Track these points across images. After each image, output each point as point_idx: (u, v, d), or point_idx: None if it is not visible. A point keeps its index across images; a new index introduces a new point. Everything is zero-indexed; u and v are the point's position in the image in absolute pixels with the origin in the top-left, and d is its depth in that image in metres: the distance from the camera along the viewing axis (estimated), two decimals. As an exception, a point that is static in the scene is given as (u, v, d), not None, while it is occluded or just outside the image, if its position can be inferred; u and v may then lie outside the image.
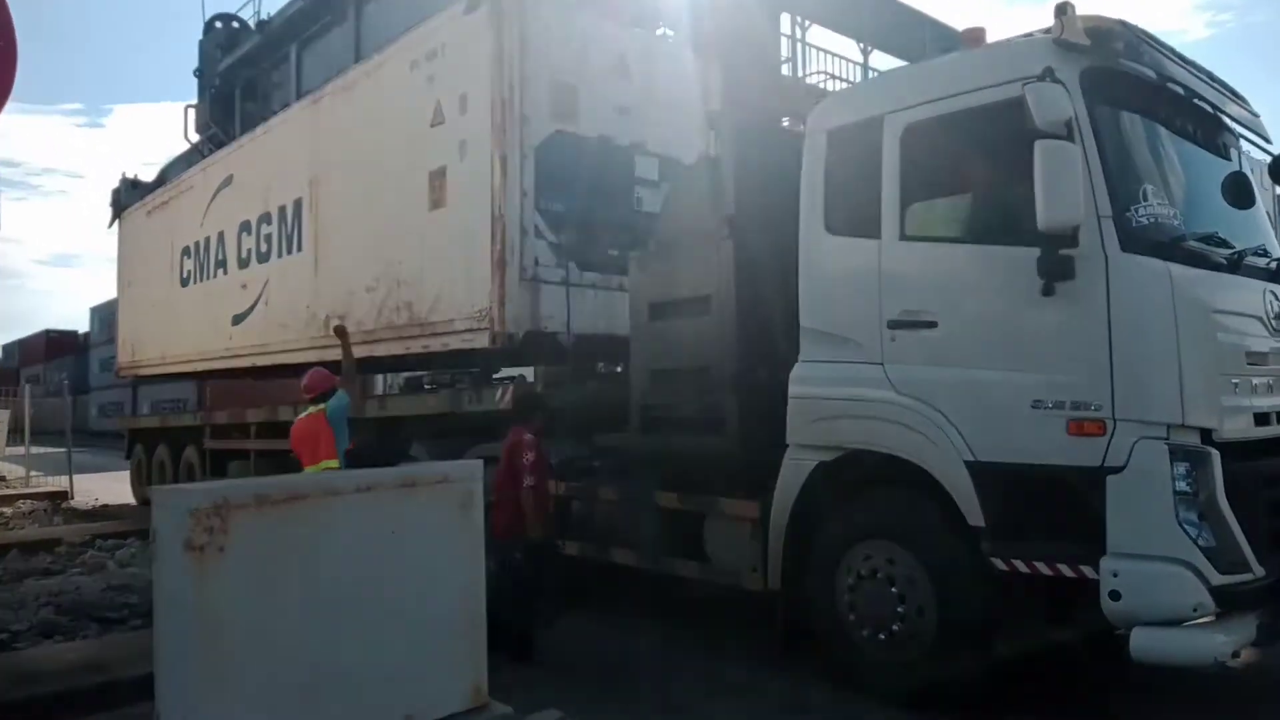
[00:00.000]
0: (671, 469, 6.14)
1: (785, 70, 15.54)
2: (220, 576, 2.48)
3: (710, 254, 5.68)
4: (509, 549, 5.76)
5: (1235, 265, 4.42)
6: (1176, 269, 4.04)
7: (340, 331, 7.27)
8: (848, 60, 17.70)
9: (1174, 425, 3.93)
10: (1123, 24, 4.25)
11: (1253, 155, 5.32)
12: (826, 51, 17.99)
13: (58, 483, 15.00)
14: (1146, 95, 4.40)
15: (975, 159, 4.61)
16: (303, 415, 6.77)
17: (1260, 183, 5.16)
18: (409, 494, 2.95)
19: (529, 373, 7.96)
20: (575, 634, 6.06)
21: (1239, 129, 5.04)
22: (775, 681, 5.23)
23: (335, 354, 8.89)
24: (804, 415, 5.07)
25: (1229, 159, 4.94)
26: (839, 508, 5.00)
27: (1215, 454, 3.94)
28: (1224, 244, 4.43)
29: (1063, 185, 3.90)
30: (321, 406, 6.54)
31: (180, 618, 2.48)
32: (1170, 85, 4.44)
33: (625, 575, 6.37)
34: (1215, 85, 4.85)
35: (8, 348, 50.22)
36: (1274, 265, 4.72)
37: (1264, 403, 4.30)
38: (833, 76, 15.39)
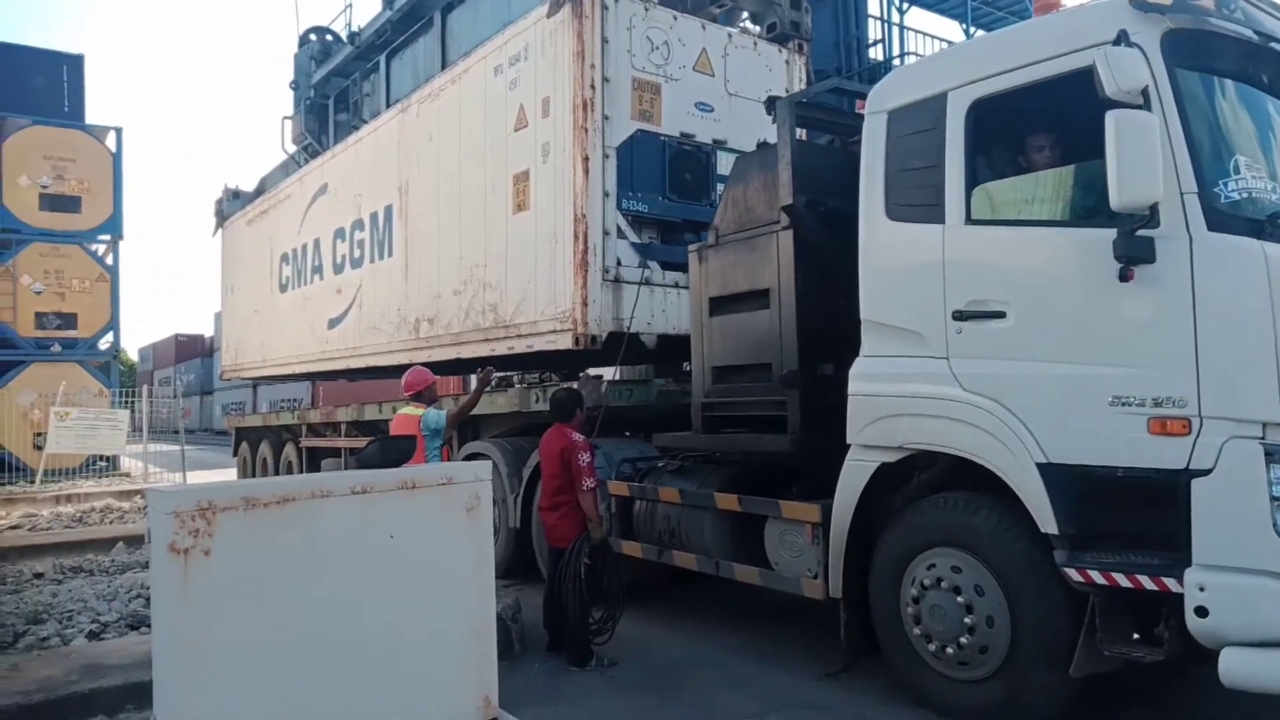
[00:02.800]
0: (731, 470, 5.94)
1: (875, 54, 15.14)
2: (206, 581, 2.43)
3: (769, 245, 5.46)
4: (573, 553, 5.70)
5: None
6: (1274, 249, 3.61)
7: (484, 378, 7.27)
8: (950, 44, 17.10)
9: (1271, 424, 3.51)
10: (1209, -23, 3.81)
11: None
12: (927, 35, 17.42)
13: (174, 478, 15.83)
14: (1243, 57, 3.95)
15: (1047, 134, 4.25)
16: (402, 411, 6.93)
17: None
18: (410, 496, 2.85)
19: (608, 372, 7.91)
20: (632, 638, 5.93)
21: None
22: (834, 693, 4.98)
23: (422, 356, 9.10)
24: (864, 414, 4.78)
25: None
26: (902, 513, 4.70)
27: (1319, 455, 3.49)
28: (1336, 219, 3.93)
29: (1138, 159, 3.51)
30: (421, 409, 6.62)
31: (167, 623, 2.45)
32: (1273, 44, 3.96)
33: (693, 576, 6.19)
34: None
35: (143, 351, 53.69)
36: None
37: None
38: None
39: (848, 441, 4.86)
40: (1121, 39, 3.66)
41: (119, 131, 20.43)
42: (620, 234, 7.37)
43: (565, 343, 7.35)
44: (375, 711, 2.70)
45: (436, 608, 2.85)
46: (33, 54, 20.72)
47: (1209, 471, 3.54)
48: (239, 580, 2.48)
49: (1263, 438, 3.50)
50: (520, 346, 8.02)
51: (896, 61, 14.93)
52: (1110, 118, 3.56)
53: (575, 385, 7.25)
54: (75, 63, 20.93)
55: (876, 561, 4.77)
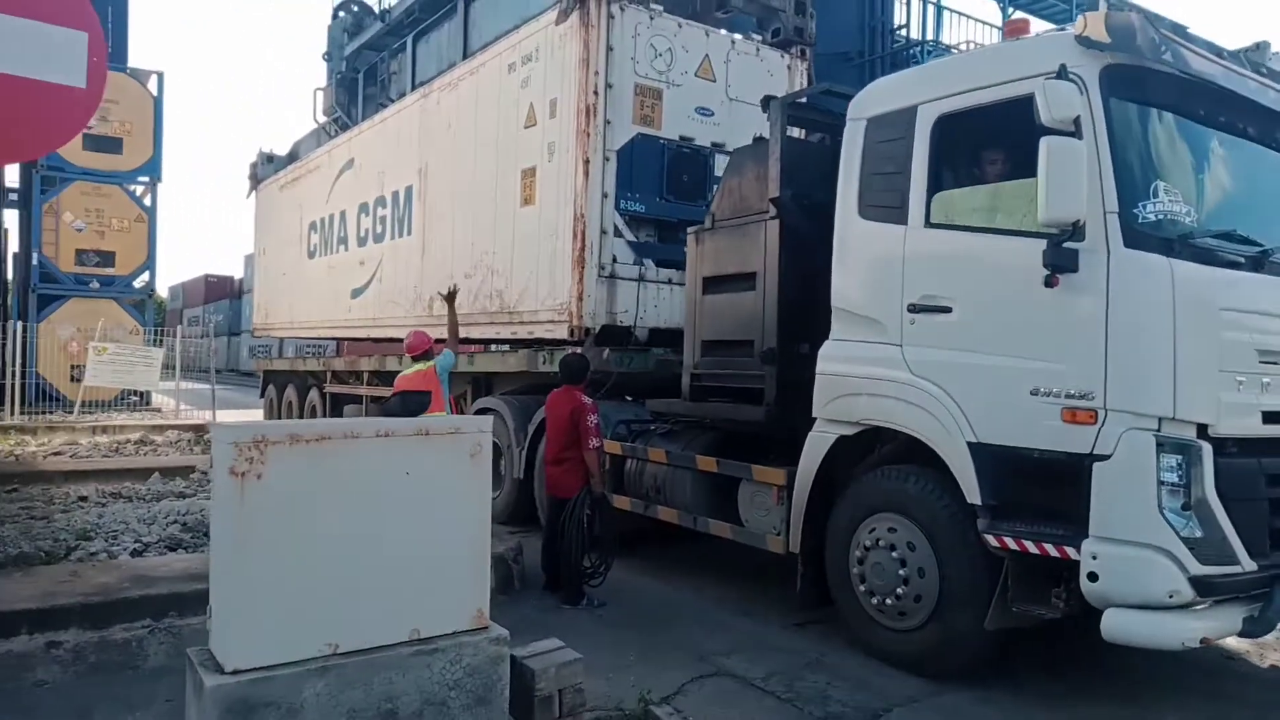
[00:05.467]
0: (715, 436, 6.53)
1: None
2: (258, 499, 3.06)
3: (758, 232, 5.99)
4: (577, 504, 6.28)
5: (1259, 264, 4.41)
6: (1182, 265, 4.11)
7: (450, 296, 7.98)
8: (990, 25, 17.22)
9: (1166, 418, 4.04)
10: (1146, 19, 4.26)
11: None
12: (966, 16, 17.55)
13: (202, 416, 16.62)
14: (1176, 91, 4.40)
15: (995, 151, 4.74)
16: (408, 371, 7.62)
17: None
18: (423, 441, 3.46)
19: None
20: (623, 584, 6.55)
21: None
22: (798, 640, 5.57)
23: (435, 334, 9.73)
24: (828, 391, 5.35)
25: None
26: (854, 482, 5.28)
27: (1207, 448, 4.02)
28: (1249, 242, 4.43)
29: (1064, 181, 4.01)
30: (430, 364, 7.33)
31: (225, 531, 3.08)
32: (1201, 79, 4.43)
33: (681, 532, 6.77)
34: (1266, 72, 4.78)
35: (174, 289, 54.71)
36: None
37: (1276, 401, 4.32)
38: (976, 44, 15.04)
39: (813, 415, 5.44)
40: (1061, 72, 4.16)
41: (160, 76, 20.99)
42: (617, 233, 7.88)
43: (562, 333, 7.92)
44: (390, 612, 3.33)
45: (441, 533, 3.46)
46: (77, -4, 21.19)
47: (1109, 457, 4.08)
48: (284, 500, 3.11)
49: (1157, 430, 4.03)
50: (522, 332, 8.62)
51: (928, 46, 15.21)
52: (1044, 142, 4.06)
53: (582, 350, 7.84)
54: (119, 6, 21.34)
55: (830, 526, 5.35)
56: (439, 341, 7.95)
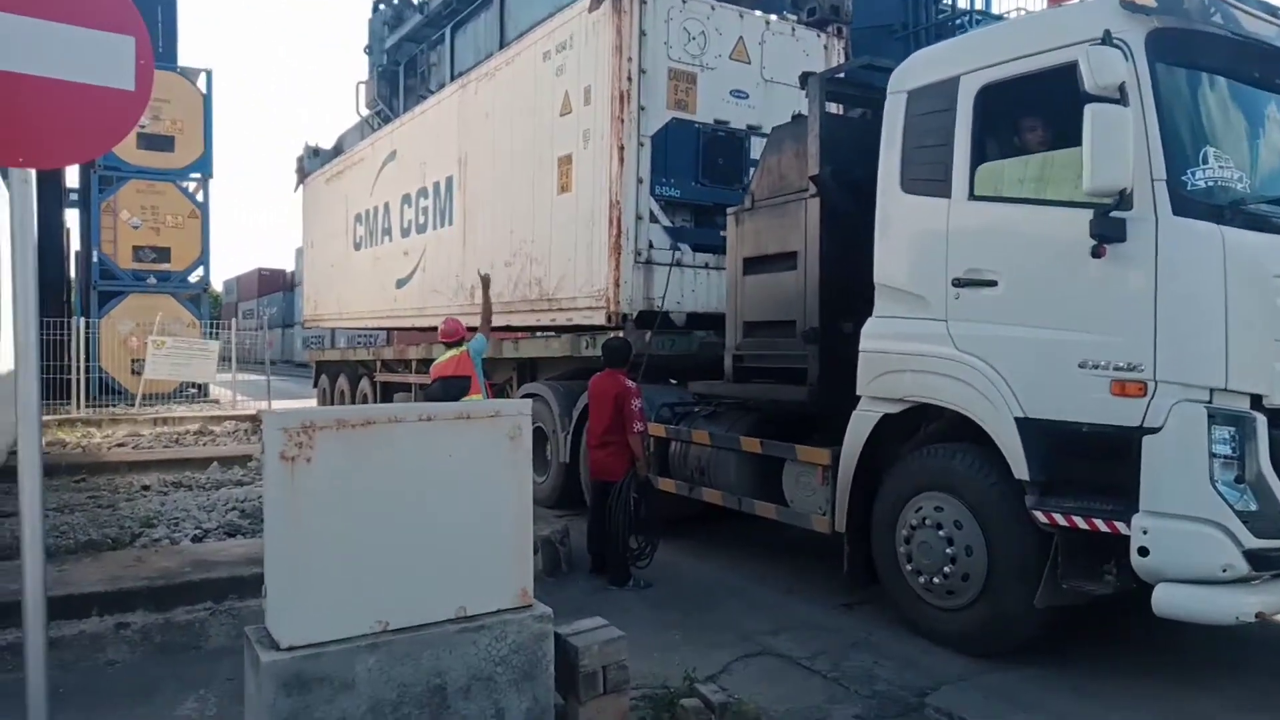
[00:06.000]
0: (758, 416, 6.53)
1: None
2: (307, 482, 3.14)
3: (798, 211, 5.96)
4: (623, 487, 6.33)
5: (1317, 227, 4.28)
6: (1233, 232, 4.00)
7: (485, 281, 8.19)
8: None
9: (1217, 389, 3.95)
10: (1195, -20, 4.15)
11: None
12: None
13: (258, 406, 17.03)
14: (1225, 53, 4.28)
15: (1040, 120, 4.65)
16: (442, 358, 7.81)
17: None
18: (465, 425, 3.51)
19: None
20: (669, 565, 6.60)
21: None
22: (845, 620, 5.56)
23: (477, 322, 9.90)
24: (872, 368, 5.31)
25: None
26: (899, 461, 5.24)
27: (1261, 419, 3.93)
28: (1304, 206, 4.30)
29: (1110, 149, 3.93)
30: (462, 349, 7.54)
31: (278, 514, 3.17)
32: (1254, 40, 4.30)
33: (727, 512, 6.79)
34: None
35: (228, 283, 56.01)
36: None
37: (1335, 370, 4.19)
38: (1026, 11, 14.70)
39: (857, 394, 5.41)
40: (1105, 38, 4.06)
41: (209, 74, 21.41)
42: (653, 218, 7.90)
43: (600, 319, 7.98)
44: (436, 590, 3.40)
45: (484, 513, 3.51)
46: (128, -3, 21.66)
47: (1159, 429, 4.00)
48: (332, 482, 3.19)
49: (1209, 401, 3.95)
50: (561, 319, 8.70)
51: (975, 15, 14.89)
52: (1088, 110, 3.98)
53: (624, 334, 7.89)
54: (169, 4, 21.73)
55: (876, 507, 5.32)
56: (471, 329, 8.13)
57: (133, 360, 18.58)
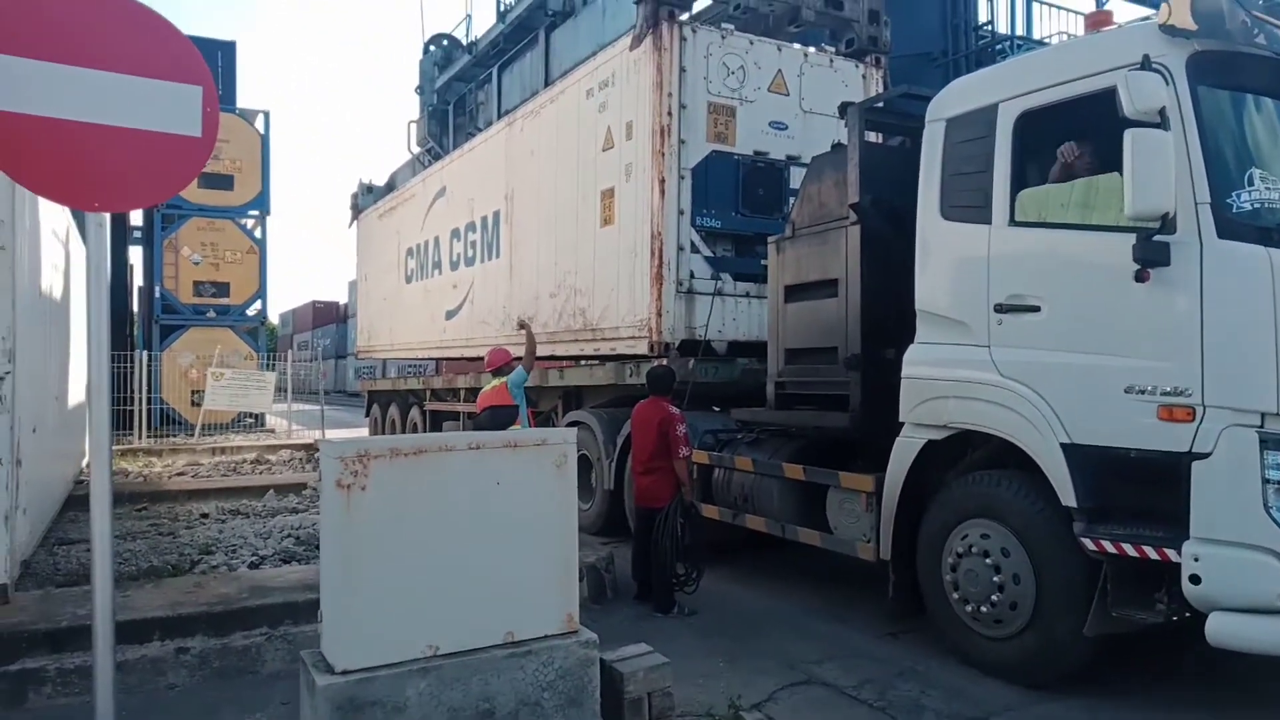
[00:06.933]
0: (801, 443, 6.54)
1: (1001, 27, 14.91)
2: (362, 509, 3.26)
3: (839, 239, 6.00)
4: (669, 513, 6.36)
5: (1368, 249, 4.20)
6: (1280, 255, 3.97)
7: (524, 324, 8.64)
8: (1081, 14, 16.70)
9: (1269, 414, 3.89)
10: (1234, 2, 4.14)
11: None
12: (1058, 7, 17.06)
13: (313, 435, 17.39)
14: (1272, 75, 4.25)
15: (1080, 146, 4.65)
16: (487, 388, 8.04)
17: None
18: (512, 453, 3.61)
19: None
20: (714, 592, 6.61)
21: None
22: (891, 648, 5.52)
23: (523, 349, 10.09)
24: (915, 395, 5.31)
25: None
26: (944, 488, 5.22)
27: (1315, 444, 3.86)
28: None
29: (1152, 174, 3.92)
30: (503, 380, 7.75)
31: (334, 540, 3.29)
32: (1299, 62, 4.26)
33: (772, 539, 6.77)
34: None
35: (284, 316, 57.33)
36: None
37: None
38: (1071, 36, 14.63)
39: (900, 420, 5.40)
40: (1145, 63, 4.07)
41: (267, 115, 22.16)
42: (694, 249, 8.05)
43: (643, 348, 8.11)
44: (485, 615, 3.48)
45: (531, 540, 3.60)
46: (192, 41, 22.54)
47: (1209, 455, 3.95)
48: (386, 509, 3.30)
49: (1260, 426, 3.89)
50: (605, 349, 8.85)
51: (1016, 41, 14.86)
52: (1128, 135, 3.98)
53: (667, 362, 7.97)
54: (229, 49, 22.60)
55: (922, 534, 5.29)
56: (517, 359, 8.32)
57: (193, 392, 19.13)
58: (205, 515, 9.69)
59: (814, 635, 5.78)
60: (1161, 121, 4.00)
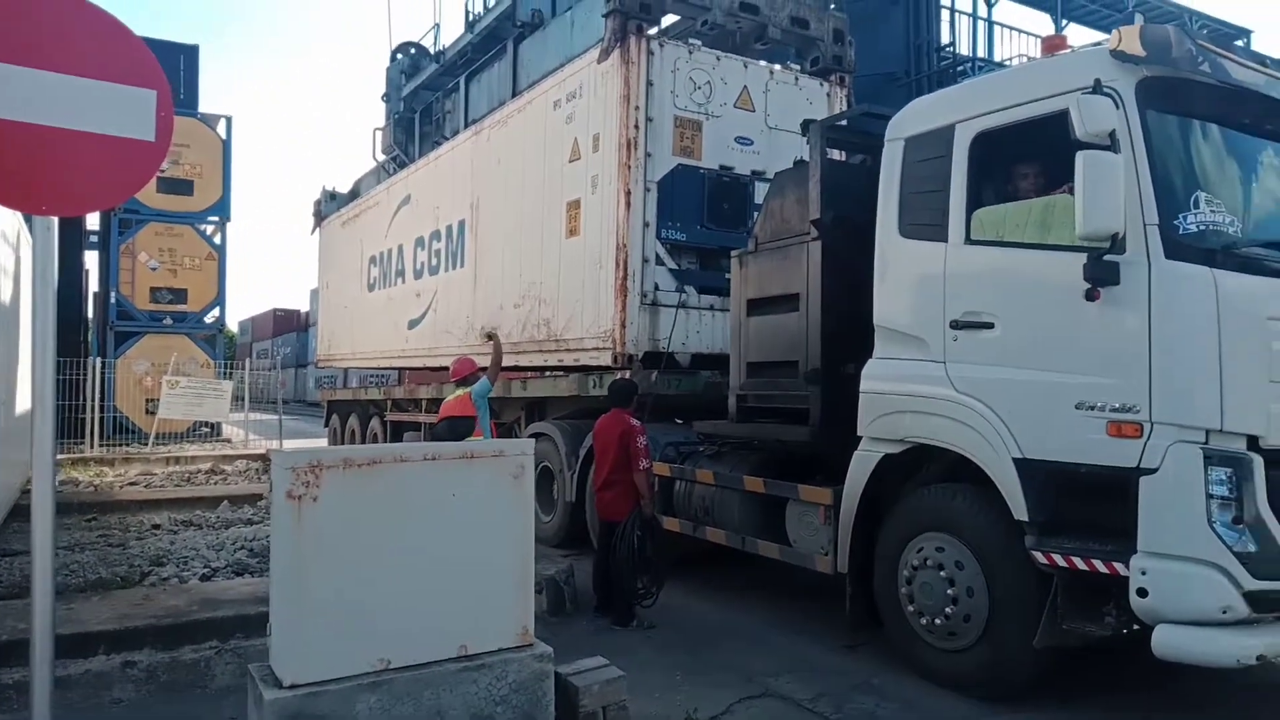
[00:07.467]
0: (762, 456, 6.57)
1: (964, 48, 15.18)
2: (314, 521, 3.21)
3: (800, 254, 6.05)
4: (628, 526, 6.34)
5: (1310, 270, 4.33)
6: (1225, 276, 4.05)
7: (491, 335, 8.64)
8: (1039, 37, 17.06)
9: (1213, 430, 3.98)
10: (1181, 31, 4.26)
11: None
12: (1018, 30, 17.40)
13: (270, 446, 17.12)
14: (1217, 101, 4.37)
15: (1033, 167, 4.75)
16: (449, 398, 7.96)
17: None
18: (469, 464, 3.59)
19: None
20: (673, 605, 6.59)
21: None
22: (848, 661, 5.54)
23: (486, 362, 10.06)
24: (873, 409, 5.36)
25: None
26: (900, 501, 5.27)
27: (1258, 460, 3.96)
28: (1297, 249, 4.36)
29: (1102, 195, 4.01)
30: (468, 390, 7.70)
31: (284, 552, 3.24)
32: (1244, 88, 4.39)
33: (729, 554, 6.78)
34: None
35: (243, 324, 56.53)
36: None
37: (1331, 411, 4.21)
38: (1030, 59, 14.92)
39: (858, 434, 5.45)
40: (1096, 87, 4.16)
41: (229, 120, 21.87)
42: (659, 261, 8.10)
43: (606, 359, 8.12)
44: (438, 629, 3.45)
45: (487, 553, 3.58)
46: (152, 45, 22.11)
47: (1156, 470, 4.03)
48: (338, 521, 3.26)
49: (1205, 443, 3.98)
50: (569, 359, 8.84)
51: (978, 63, 15.13)
52: (1079, 157, 4.07)
53: (630, 374, 7.97)
54: (191, 53, 22.19)
55: (878, 547, 5.34)
56: (482, 369, 8.26)
57: (147, 400, 18.76)
58: (157, 526, 9.50)
59: (772, 648, 5.79)
60: (1112, 144, 4.10)
